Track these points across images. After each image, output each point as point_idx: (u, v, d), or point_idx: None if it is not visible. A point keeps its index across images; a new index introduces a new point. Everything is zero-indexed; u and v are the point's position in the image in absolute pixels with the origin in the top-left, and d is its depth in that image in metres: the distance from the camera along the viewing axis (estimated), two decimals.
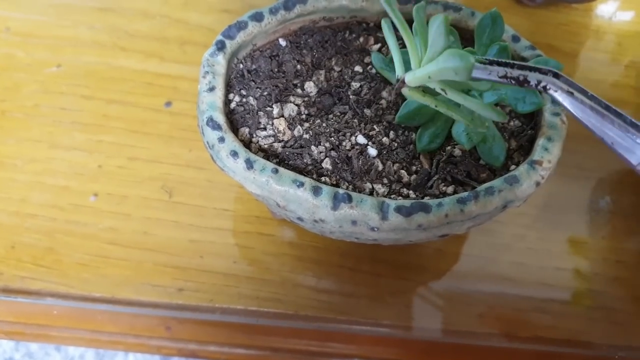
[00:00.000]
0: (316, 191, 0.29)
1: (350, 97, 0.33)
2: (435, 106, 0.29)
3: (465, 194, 0.29)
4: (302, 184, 0.29)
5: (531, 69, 0.26)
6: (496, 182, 0.29)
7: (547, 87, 0.26)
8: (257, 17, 0.33)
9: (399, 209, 0.29)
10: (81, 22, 0.46)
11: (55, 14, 0.46)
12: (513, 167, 0.31)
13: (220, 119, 0.30)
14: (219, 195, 0.40)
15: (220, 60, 0.32)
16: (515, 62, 0.27)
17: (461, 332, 0.37)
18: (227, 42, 0.32)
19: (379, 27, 0.36)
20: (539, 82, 0.26)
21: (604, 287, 0.39)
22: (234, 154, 0.29)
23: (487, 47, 0.30)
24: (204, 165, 0.41)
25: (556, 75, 0.26)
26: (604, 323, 0.38)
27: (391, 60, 0.33)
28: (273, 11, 0.33)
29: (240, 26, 0.32)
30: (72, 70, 0.44)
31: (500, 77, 0.26)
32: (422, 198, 0.30)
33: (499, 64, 0.26)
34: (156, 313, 0.38)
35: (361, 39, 0.35)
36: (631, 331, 0.38)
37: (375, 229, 0.29)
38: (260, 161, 0.29)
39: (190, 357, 0.39)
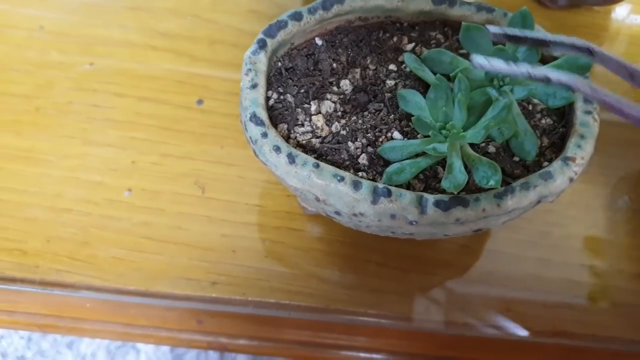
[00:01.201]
0: (356, 185, 0.30)
1: (386, 94, 0.34)
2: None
3: (501, 189, 0.30)
4: (342, 178, 0.30)
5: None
6: (531, 178, 0.30)
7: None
8: (297, 17, 0.33)
9: (437, 204, 0.29)
10: (113, 22, 0.47)
11: (87, 14, 0.47)
12: (545, 163, 0.32)
13: (263, 115, 0.31)
14: (249, 191, 0.41)
15: (262, 58, 0.32)
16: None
17: (488, 326, 0.38)
18: (268, 41, 0.33)
19: (412, 27, 0.36)
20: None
21: (628, 284, 0.39)
22: (277, 148, 0.30)
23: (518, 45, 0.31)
24: (235, 162, 0.42)
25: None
26: (628, 318, 0.39)
27: (423, 60, 0.34)
28: (312, 11, 0.34)
29: (281, 25, 0.33)
30: (104, 69, 0.45)
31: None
32: (458, 193, 0.31)
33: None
34: (188, 306, 0.38)
35: (395, 39, 0.36)
36: None
37: (414, 223, 0.30)
38: (301, 156, 0.30)
39: (220, 350, 0.40)
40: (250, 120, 0.31)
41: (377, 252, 0.40)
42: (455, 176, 0.29)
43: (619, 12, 0.50)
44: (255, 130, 0.30)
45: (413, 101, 0.32)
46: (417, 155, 0.31)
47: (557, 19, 0.49)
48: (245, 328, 0.39)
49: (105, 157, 0.42)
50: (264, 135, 0.30)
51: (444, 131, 0.29)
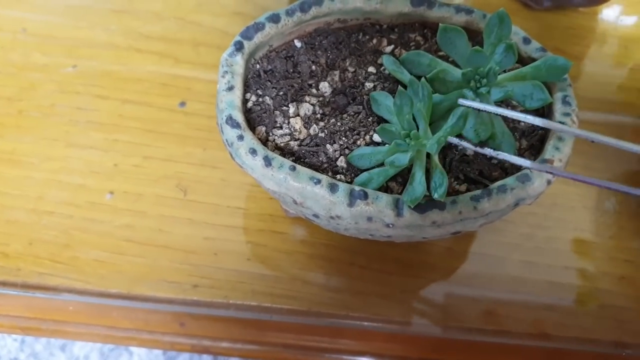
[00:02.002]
0: (333, 188, 0.30)
1: (364, 97, 0.34)
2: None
3: (478, 191, 0.30)
4: (319, 181, 0.30)
5: None
6: (509, 180, 0.30)
7: None
8: (274, 19, 0.33)
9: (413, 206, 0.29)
10: (97, 24, 0.47)
11: (71, 16, 0.47)
12: None
13: (239, 117, 0.31)
14: (232, 193, 0.41)
15: (239, 60, 0.32)
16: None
17: (470, 329, 0.38)
18: (245, 43, 0.33)
19: (392, 29, 0.36)
20: None
21: (612, 286, 0.39)
22: (253, 151, 0.30)
23: (495, 46, 0.30)
24: (218, 164, 0.42)
25: None
26: (612, 321, 0.38)
27: (402, 62, 0.34)
28: (289, 13, 0.34)
29: (258, 27, 0.33)
30: (88, 71, 0.45)
31: None
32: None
33: None
34: (171, 309, 0.38)
35: (374, 41, 0.36)
36: (639, 329, 0.38)
37: (391, 225, 0.30)
38: (278, 159, 0.30)
39: (203, 353, 0.40)
40: (227, 122, 0.30)
41: (360, 255, 0.40)
42: (415, 188, 0.29)
43: (605, 13, 0.50)
44: (231, 133, 0.30)
45: (384, 104, 0.32)
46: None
47: (541, 20, 0.49)
48: (228, 331, 0.39)
49: (88, 160, 0.42)
50: (240, 137, 0.30)
51: (407, 139, 0.29)
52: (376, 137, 0.33)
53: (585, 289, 0.39)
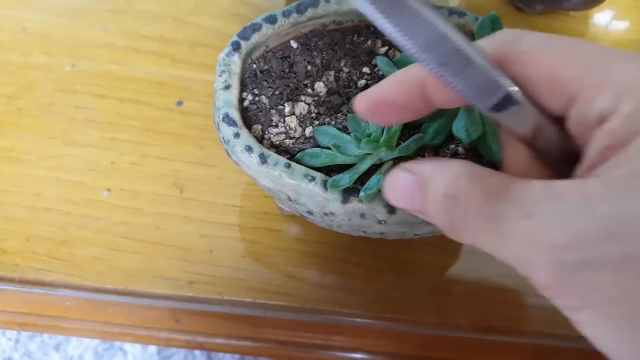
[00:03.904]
0: (327, 185, 0.30)
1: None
2: None
3: None
4: (313, 178, 0.30)
5: None
6: None
7: None
8: (271, 20, 0.34)
9: None
10: (95, 24, 0.47)
11: (70, 16, 0.48)
12: None
13: (236, 115, 0.31)
14: (228, 191, 0.41)
15: (236, 60, 0.33)
16: None
17: (462, 326, 0.39)
18: (242, 43, 0.33)
19: None
20: None
21: None
22: (249, 148, 0.31)
23: None
24: (214, 163, 0.42)
25: None
26: None
27: (396, 63, 0.35)
28: (286, 14, 0.34)
29: (255, 28, 0.34)
30: (87, 70, 0.45)
31: None
32: None
33: None
34: (166, 305, 0.39)
35: (369, 42, 0.37)
36: None
37: (383, 222, 0.31)
38: (273, 156, 0.31)
39: (198, 349, 0.40)
40: (223, 120, 0.31)
41: (354, 253, 0.40)
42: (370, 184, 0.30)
43: (596, 17, 0.51)
44: (227, 131, 0.31)
45: None
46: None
47: (533, 23, 0.50)
48: (223, 327, 0.39)
49: (86, 158, 0.42)
50: (236, 135, 0.31)
51: (359, 142, 0.30)
52: None
53: None
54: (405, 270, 0.40)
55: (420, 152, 0.33)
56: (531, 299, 0.39)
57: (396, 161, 0.32)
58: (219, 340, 0.40)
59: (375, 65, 0.36)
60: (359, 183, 0.31)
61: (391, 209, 0.30)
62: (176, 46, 0.47)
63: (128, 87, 0.45)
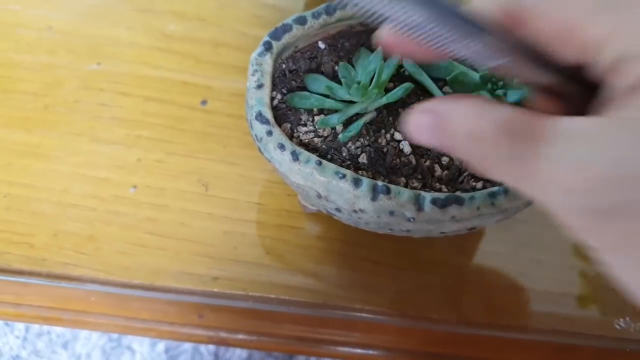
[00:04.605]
0: (357, 182, 0.31)
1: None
2: None
3: (495, 188, 0.31)
4: (344, 176, 0.31)
5: None
6: None
7: None
8: (301, 21, 0.35)
9: (434, 201, 0.31)
10: (120, 23, 0.48)
11: (95, 15, 0.48)
12: None
13: (268, 113, 0.32)
14: (251, 189, 0.42)
15: (268, 60, 0.34)
16: None
17: (480, 324, 0.39)
18: (274, 43, 0.34)
19: None
20: None
21: (615, 285, 0.41)
22: (281, 146, 0.31)
23: None
24: (236, 161, 0.43)
25: None
26: (613, 317, 0.40)
27: (421, 65, 0.36)
28: (316, 15, 0.35)
29: (286, 28, 0.34)
30: (112, 68, 0.46)
31: None
32: (454, 192, 0.32)
33: None
34: (191, 300, 0.40)
35: None
36: None
37: (412, 220, 0.31)
38: (305, 153, 0.31)
39: (220, 344, 0.41)
40: (256, 118, 0.32)
41: (374, 251, 0.41)
42: (329, 120, 0.33)
43: None
44: (260, 128, 0.32)
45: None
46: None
47: None
48: (245, 323, 0.40)
49: (112, 155, 0.43)
50: (269, 133, 0.32)
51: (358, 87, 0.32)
52: (396, 136, 0.34)
53: (592, 286, 0.41)
54: (424, 268, 0.41)
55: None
56: (547, 297, 0.40)
57: (380, 112, 0.34)
58: (240, 336, 0.40)
59: (401, 66, 0.37)
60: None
61: (420, 207, 0.31)
62: (200, 46, 0.47)
63: (152, 86, 0.46)
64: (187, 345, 0.88)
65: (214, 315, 0.40)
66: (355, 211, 0.32)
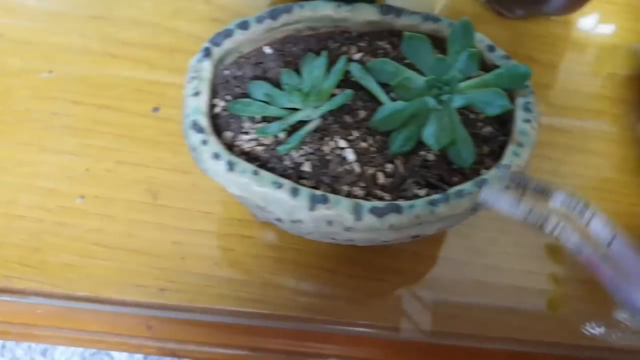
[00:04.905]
0: (294, 192, 0.30)
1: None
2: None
3: (436, 196, 0.30)
4: (281, 186, 0.30)
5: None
6: (466, 186, 0.30)
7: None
8: (244, 26, 0.34)
9: (372, 210, 0.30)
10: (73, 30, 0.47)
11: (48, 22, 0.47)
12: (484, 171, 0.32)
13: (204, 122, 0.31)
14: (202, 198, 0.41)
15: (207, 66, 0.33)
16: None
17: (435, 332, 0.38)
18: (214, 49, 0.33)
19: (361, 37, 0.37)
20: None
21: (574, 290, 0.40)
22: (216, 156, 0.30)
23: (459, 54, 0.31)
24: (189, 169, 0.42)
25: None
26: (571, 324, 0.39)
27: (368, 70, 0.35)
28: (259, 20, 0.34)
29: (227, 34, 0.34)
30: (64, 77, 0.45)
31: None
32: (396, 200, 0.31)
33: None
34: (138, 312, 0.39)
35: (344, 48, 0.37)
36: (601, 333, 0.39)
37: (350, 229, 0.30)
38: (241, 163, 0.30)
39: (170, 356, 0.40)
40: (191, 127, 0.31)
41: (329, 259, 0.40)
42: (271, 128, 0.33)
43: (578, 22, 0.51)
44: (195, 138, 0.31)
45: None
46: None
47: (515, 29, 0.50)
48: (195, 334, 0.39)
49: (61, 165, 0.42)
50: (204, 142, 0.31)
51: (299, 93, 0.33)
52: (341, 144, 0.33)
53: (548, 292, 0.40)
54: (380, 277, 0.40)
55: (391, 159, 0.33)
56: (503, 304, 0.39)
57: (326, 118, 0.34)
58: (191, 347, 0.39)
59: (349, 72, 0.36)
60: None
61: (358, 216, 0.30)
62: (154, 52, 0.46)
63: (105, 94, 0.45)
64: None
65: (162, 326, 0.39)
66: (293, 221, 0.31)
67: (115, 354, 0.86)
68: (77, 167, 0.42)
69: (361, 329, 0.38)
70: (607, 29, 0.52)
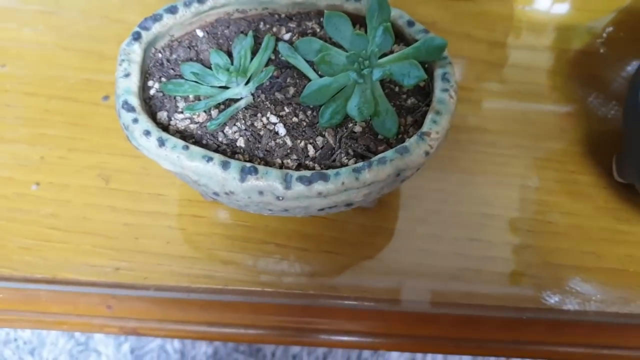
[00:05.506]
0: (225, 165, 0.32)
1: (264, 81, 0.36)
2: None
3: (360, 163, 0.32)
4: (211, 159, 0.32)
5: None
6: (388, 153, 0.32)
7: None
8: (172, 10, 0.35)
9: (300, 179, 0.31)
10: (25, 24, 0.49)
11: (0, 17, 0.49)
12: (408, 140, 0.34)
13: (135, 102, 0.33)
14: (153, 181, 0.43)
15: (136, 49, 0.34)
16: None
17: (382, 299, 0.40)
18: (143, 33, 0.35)
19: (290, 18, 0.39)
20: None
21: (514, 255, 0.42)
22: (147, 133, 0.32)
23: (376, 30, 0.33)
24: (139, 154, 0.43)
25: None
26: (514, 288, 0.41)
27: (296, 49, 0.36)
28: (187, 4, 0.36)
29: (156, 18, 0.35)
30: (16, 70, 0.47)
31: None
32: (326, 169, 0.33)
33: None
34: (97, 291, 0.40)
35: (274, 29, 0.38)
36: (536, 294, 0.40)
37: (281, 198, 0.32)
38: (171, 139, 0.32)
39: (132, 334, 0.41)
40: (122, 107, 0.32)
41: (278, 235, 0.42)
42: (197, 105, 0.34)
43: (518, 0, 0.53)
44: (127, 117, 0.32)
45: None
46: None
47: (454, 8, 0.51)
48: (152, 311, 0.41)
49: (15, 153, 0.43)
50: (135, 120, 0.32)
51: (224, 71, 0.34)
52: (272, 119, 0.35)
53: (490, 258, 0.42)
54: (328, 249, 0.42)
55: (321, 132, 0.35)
56: (448, 272, 0.41)
57: (258, 96, 0.35)
58: (151, 325, 0.41)
59: (279, 52, 0.37)
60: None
61: (287, 185, 0.31)
62: (104, 43, 0.48)
63: (57, 85, 0.46)
64: (153, 345, 0.88)
65: (121, 305, 0.41)
66: (227, 193, 0.33)
67: (102, 349, 0.88)
68: (32, 156, 0.43)
69: (308, 300, 0.40)
70: (541, 5, 0.53)
